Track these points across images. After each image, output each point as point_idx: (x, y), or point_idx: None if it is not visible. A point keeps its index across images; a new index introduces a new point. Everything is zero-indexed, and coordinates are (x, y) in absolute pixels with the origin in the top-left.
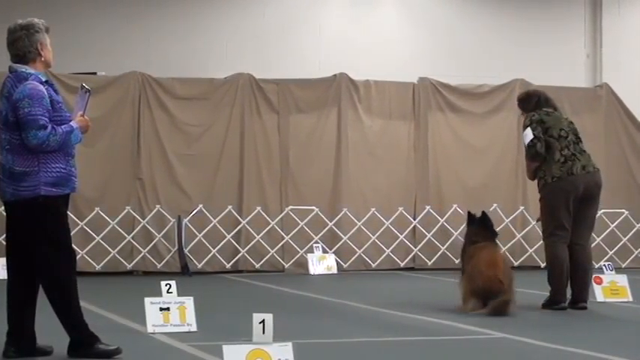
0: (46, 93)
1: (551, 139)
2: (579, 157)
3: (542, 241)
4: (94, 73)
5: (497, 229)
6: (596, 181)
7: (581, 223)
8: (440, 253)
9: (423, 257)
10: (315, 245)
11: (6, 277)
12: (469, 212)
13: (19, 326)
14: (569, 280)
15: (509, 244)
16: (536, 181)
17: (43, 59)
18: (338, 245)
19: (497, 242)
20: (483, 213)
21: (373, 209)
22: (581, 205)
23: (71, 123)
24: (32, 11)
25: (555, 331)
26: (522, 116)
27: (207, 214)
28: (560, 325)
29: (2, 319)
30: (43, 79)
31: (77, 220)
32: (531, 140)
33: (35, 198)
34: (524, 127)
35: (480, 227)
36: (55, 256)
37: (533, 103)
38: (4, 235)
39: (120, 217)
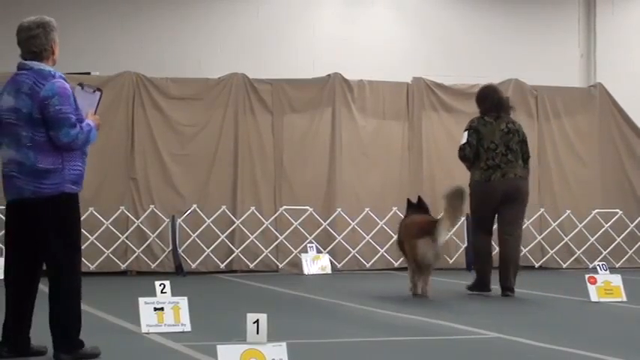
0: (71, 91)
1: (482, 149)
2: (503, 166)
3: (536, 241)
4: (88, 73)
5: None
6: (517, 187)
7: (506, 220)
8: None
9: None
10: (309, 245)
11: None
12: (408, 199)
13: (16, 326)
14: (491, 267)
15: None
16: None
17: (54, 57)
18: (332, 245)
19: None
20: (419, 198)
21: (367, 209)
22: (504, 205)
23: (88, 122)
24: (25, 11)
25: (549, 331)
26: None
27: (201, 214)
28: (554, 325)
29: None
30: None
31: None
32: (463, 144)
33: (58, 195)
34: (464, 130)
35: (417, 210)
36: (73, 254)
37: (487, 107)
38: None
39: (114, 217)
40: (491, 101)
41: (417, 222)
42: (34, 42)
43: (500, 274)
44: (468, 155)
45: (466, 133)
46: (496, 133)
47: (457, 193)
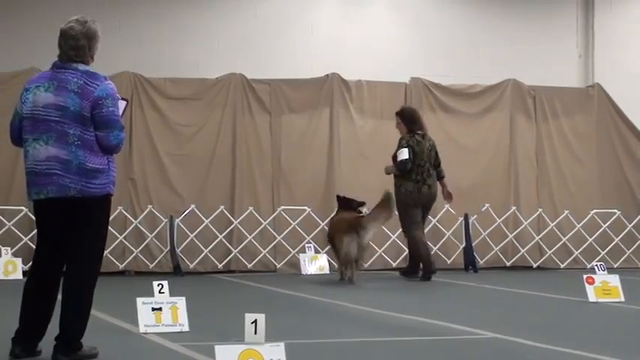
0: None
1: (414, 165)
2: (427, 180)
3: (534, 241)
4: None
5: (489, 230)
6: (434, 195)
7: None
8: (432, 253)
9: None
10: (307, 245)
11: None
12: (337, 195)
13: (37, 326)
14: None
15: (501, 245)
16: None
17: (92, 61)
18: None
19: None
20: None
21: (365, 210)
22: (423, 209)
23: None
24: (23, 11)
25: (547, 331)
26: (398, 125)
27: (200, 214)
28: (552, 325)
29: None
30: None
31: None
32: (406, 159)
33: (104, 196)
34: (402, 147)
35: (345, 207)
36: (101, 256)
37: (416, 126)
38: None
39: (112, 217)
40: (419, 122)
41: (345, 219)
42: (77, 52)
43: (422, 263)
44: (409, 168)
45: (406, 150)
46: (424, 152)
47: (387, 198)
